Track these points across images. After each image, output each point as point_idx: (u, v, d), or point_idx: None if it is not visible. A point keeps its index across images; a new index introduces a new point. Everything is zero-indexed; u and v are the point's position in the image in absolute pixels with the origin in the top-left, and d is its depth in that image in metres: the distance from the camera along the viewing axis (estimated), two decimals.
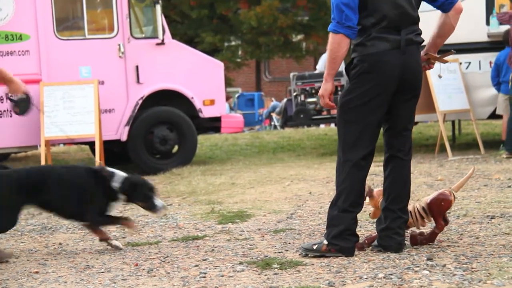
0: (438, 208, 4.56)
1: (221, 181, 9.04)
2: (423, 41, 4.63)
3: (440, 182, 7.58)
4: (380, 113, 4.49)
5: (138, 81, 10.62)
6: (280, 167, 10.25)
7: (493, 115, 11.01)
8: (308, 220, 5.93)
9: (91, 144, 11.12)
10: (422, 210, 4.63)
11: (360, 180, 4.52)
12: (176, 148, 11.12)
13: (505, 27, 10.29)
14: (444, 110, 10.54)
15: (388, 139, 4.63)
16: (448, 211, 4.67)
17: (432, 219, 4.67)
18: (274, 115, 26.42)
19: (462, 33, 10.66)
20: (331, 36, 4.46)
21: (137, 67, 10.58)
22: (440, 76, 5.87)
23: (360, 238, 4.63)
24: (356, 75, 4.49)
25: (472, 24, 10.70)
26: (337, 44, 4.44)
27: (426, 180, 7.17)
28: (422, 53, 4.70)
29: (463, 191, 6.85)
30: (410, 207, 4.66)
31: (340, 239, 4.49)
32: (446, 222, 4.70)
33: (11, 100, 5.71)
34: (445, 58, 4.86)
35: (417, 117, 10.94)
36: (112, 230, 5.96)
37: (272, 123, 26.24)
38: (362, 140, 4.49)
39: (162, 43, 10.70)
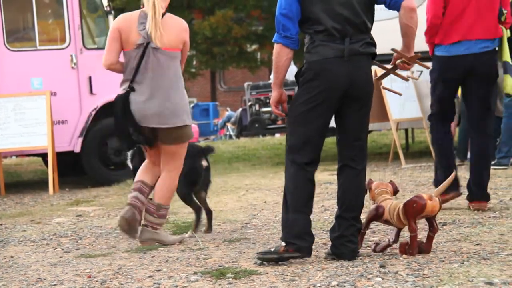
0: (410, 210, 4.51)
1: None
2: (373, 51, 4.61)
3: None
4: (324, 120, 4.55)
5: (91, 92, 10.54)
6: (235, 177, 10.25)
7: None
8: (263, 229, 5.94)
9: (44, 156, 11.00)
10: (400, 210, 4.58)
11: (305, 182, 4.57)
12: None
13: None
14: (397, 119, 10.65)
15: (340, 148, 4.67)
16: (433, 215, 4.57)
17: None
18: (229, 125, 26.45)
19: (415, 41, 10.84)
20: (274, 46, 4.59)
21: (90, 78, 10.50)
22: (408, 78, 5.87)
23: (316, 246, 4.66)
24: (302, 82, 4.57)
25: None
26: (277, 53, 4.57)
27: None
28: (396, 55, 4.70)
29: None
30: (390, 204, 4.61)
31: (297, 239, 4.51)
32: (433, 227, 4.59)
33: None
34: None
35: (371, 126, 11.03)
36: (65, 242, 5.90)
37: (227, 133, 26.25)
38: (307, 145, 4.55)
39: None
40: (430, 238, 4.61)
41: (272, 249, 4.59)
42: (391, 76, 5.00)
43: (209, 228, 6.03)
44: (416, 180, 8.45)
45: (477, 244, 4.72)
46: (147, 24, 5.43)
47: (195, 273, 4.46)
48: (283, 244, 4.54)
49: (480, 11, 6.01)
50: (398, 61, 4.75)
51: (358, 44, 4.50)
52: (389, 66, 4.88)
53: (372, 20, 4.63)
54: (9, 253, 5.61)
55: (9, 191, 10.52)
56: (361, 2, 4.53)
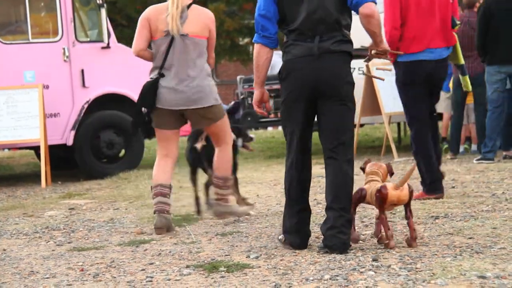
0: (376, 199, 4.57)
1: None
2: (347, 49, 4.64)
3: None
4: (305, 115, 4.66)
5: (83, 85, 10.53)
6: None
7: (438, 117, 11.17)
8: (255, 223, 5.93)
9: (36, 149, 10.98)
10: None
11: (297, 179, 4.70)
12: (123, 152, 11.04)
13: None
14: (390, 112, 10.66)
15: (322, 143, 4.73)
16: (394, 204, 4.61)
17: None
18: None
19: None
20: (254, 46, 4.78)
21: (82, 71, 10.49)
22: (383, 79, 6.07)
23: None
24: (280, 81, 4.74)
25: None
26: (257, 53, 4.76)
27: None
28: (369, 46, 4.86)
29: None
30: (372, 187, 4.66)
31: (290, 233, 4.71)
32: (406, 214, 4.64)
33: None
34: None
35: (363, 119, 11.12)
36: (57, 235, 5.89)
37: None
38: (293, 141, 4.70)
39: (108, 46, 10.62)
40: (409, 226, 4.62)
41: (279, 237, 4.83)
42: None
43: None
44: None
45: (470, 238, 4.73)
46: (169, 18, 5.74)
47: (187, 266, 4.46)
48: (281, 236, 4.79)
49: (440, 21, 6.45)
50: (372, 52, 4.91)
51: (329, 42, 4.58)
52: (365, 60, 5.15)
53: (347, 18, 4.69)
54: (2, 246, 5.59)
55: (1, 184, 10.51)
56: (333, 0, 4.60)
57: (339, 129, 4.64)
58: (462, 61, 6.94)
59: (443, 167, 8.85)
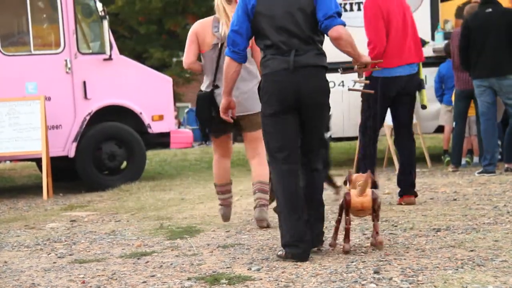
0: (343, 205, 4.88)
1: (170, 197, 9.00)
2: (321, 63, 4.88)
3: (388, 196, 7.66)
4: (282, 128, 4.86)
5: (85, 97, 10.55)
6: None
7: (439, 129, 11.19)
8: (257, 235, 5.92)
9: (38, 161, 10.98)
10: None
11: (288, 186, 4.84)
12: (124, 164, 11.05)
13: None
14: (391, 125, 10.61)
15: (301, 152, 4.93)
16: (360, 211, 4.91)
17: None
18: None
19: None
20: (225, 59, 5.10)
21: (84, 82, 10.51)
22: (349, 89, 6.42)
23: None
24: (261, 95, 4.98)
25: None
26: (227, 66, 5.07)
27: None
28: (352, 61, 5.08)
29: (410, 204, 6.94)
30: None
31: (289, 245, 4.77)
32: (372, 221, 4.96)
33: None
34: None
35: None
36: (59, 247, 5.89)
37: None
38: (278, 149, 4.89)
39: (110, 58, 10.65)
40: (373, 228, 4.95)
41: (279, 253, 4.88)
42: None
43: None
44: None
45: (472, 251, 4.72)
46: (220, 27, 6.21)
47: (189, 278, 4.45)
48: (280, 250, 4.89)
49: (412, 40, 7.05)
50: (355, 67, 5.11)
51: (304, 56, 4.82)
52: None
53: (320, 35, 4.92)
54: (3, 258, 5.59)
55: (3, 196, 10.51)
56: (304, 17, 4.84)
57: (315, 136, 4.96)
58: (422, 76, 7.33)
59: (444, 179, 8.88)
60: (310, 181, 4.96)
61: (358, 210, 4.87)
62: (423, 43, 7.06)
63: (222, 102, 5.32)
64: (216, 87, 6.22)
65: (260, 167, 6.37)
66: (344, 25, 4.85)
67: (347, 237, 4.88)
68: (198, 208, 7.88)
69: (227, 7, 6.22)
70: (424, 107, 7.43)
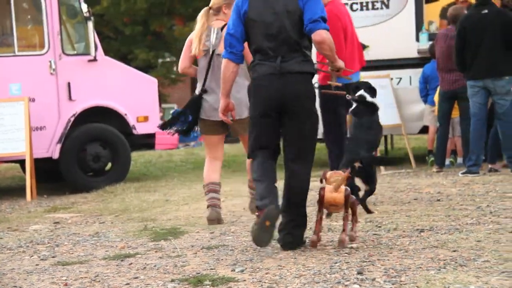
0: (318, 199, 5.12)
1: (155, 198, 8.99)
2: (307, 69, 5.10)
3: (372, 196, 7.67)
4: (268, 129, 5.13)
5: (70, 98, 10.51)
6: None
7: (424, 130, 11.23)
8: (241, 236, 5.92)
9: (22, 162, 10.93)
10: None
11: (265, 167, 5.16)
12: (109, 165, 11.01)
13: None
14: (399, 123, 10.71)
15: (284, 150, 5.19)
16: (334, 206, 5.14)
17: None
18: None
19: (393, 49, 10.94)
20: (222, 61, 5.33)
21: (69, 84, 10.47)
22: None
23: None
24: (249, 97, 5.35)
25: (402, 40, 10.95)
26: (225, 67, 5.29)
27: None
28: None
29: (394, 205, 6.96)
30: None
31: (261, 200, 5.06)
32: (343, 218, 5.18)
33: None
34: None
35: None
36: (41, 250, 5.86)
37: None
38: (258, 148, 5.18)
39: (95, 59, 10.62)
40: (343, 225, 5.15)
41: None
42: None
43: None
44: (395, 186, 8.48)
45: (454, 251, 4.74)
46: (211, 36, 6.63)
47: (172, 280, 4.45)
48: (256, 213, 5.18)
49: (357, 48, 7.27)
50: (329, 69, 5.42)
51: (290, 62, 5.06)
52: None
53: (307, 40, 5.14)
54: None
55: None
56: (292, 24, 5.06)
57: (299, 139, 5.12)
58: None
59: (428, 180, 8.90)
60: (289, 183, 5.15)
61: (331, 205, 5.13)
62: (364, 47, 7.30)
63: (220, 103, 5.49)
64: (205, 91, 6.54)
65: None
66: (328, 29, 5.05)
67: (317, 228, 5.14)
68: (182, 209, 7.87)
69: (209, 19, 6.67)
70: None
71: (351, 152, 6.62)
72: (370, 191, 6.69)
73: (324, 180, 5.20)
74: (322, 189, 5.09)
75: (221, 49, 6.28)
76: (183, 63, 6.81)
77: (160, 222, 6.99)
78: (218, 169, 6.83)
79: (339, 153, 6.88)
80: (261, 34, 5.10)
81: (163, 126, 6.91)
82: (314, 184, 5.67)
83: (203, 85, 6.66)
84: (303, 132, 5.12)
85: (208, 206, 6.68)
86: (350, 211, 5.20)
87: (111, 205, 8.68)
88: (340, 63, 5.33)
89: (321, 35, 5.00)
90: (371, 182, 6.67)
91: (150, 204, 8.44)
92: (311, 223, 5.82)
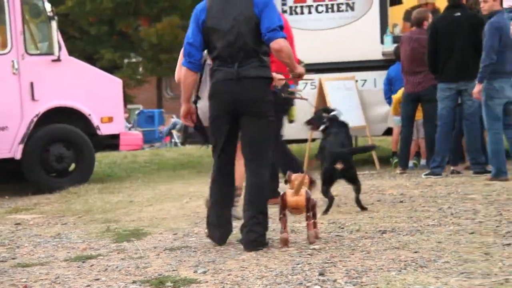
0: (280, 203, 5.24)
1: (119, 199, 8.93)
2: (263, 74, 5.30)
3: (336, 198, 7.69)
4: (226, 131, 5.34)
5: (33, 98, 10.41)
6: (180, 184, 10.21)
7: (388, 132, 11.29)
8: (204, 238, 5.89)
9: None
10: None
11: (221, 179, 5.43)
12: (73, 166, 10.93)
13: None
14: (364, 124, 10.75)
15: (243, 151, 5.39)
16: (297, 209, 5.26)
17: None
18: (174, 132, 26.31)
19: (358, 51, 11.00)
20: (182, 69, 5.52)
21: (32, 84, 10.37)
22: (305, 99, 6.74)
23: None
24: (209, 100, 5.44)
25: (367, 43, 11.00)
26: (183, 75, 5.50)
27: (322, 196, 7.27)
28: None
29: (357, 206, 6.99)
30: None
31: (211, 226, 5.42)
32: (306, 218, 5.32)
33: None
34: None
35: (316, 134, 11.15)
36: (1, 251, 5.80)
37: (173, 140, 26.12)
38: (217, 148, 5.42)
39: (58, 59, 10.53)
40: (307, 226, 5.30)
41: None
42: None
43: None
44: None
45: (415, 252, 4.77)
46: None
47: (134, 282, 4.42)
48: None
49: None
50: (290, 76, 5.64)
51: (247, 67, 5.26)
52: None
53: (264, 46, 5.32)
54: None
55: None
56: (249, 31, 5.25)
57: (256, 140, 5.32)
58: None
59: (392, 181, 8.96)
60: (248, 182, 5.35)
61: (293, 208, 5.24)
62: (300, 62, 7.34)
63: (182, 108, 5.65)
64: (198, 97, 6.55)
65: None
66: (285, 37, 5.27)
67: (285, 229, 5.23)
68: (146, 210, 7.83)
69: None
70: (291, 122, 7.71)
71: (331, 152, 6.93)
72: (358, 188, 6.89)
73: (288, 182, 5.32)
74: (284, 194, 5.22)
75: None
76: (178, 72, 6.69)
77: (123, 224, 6.95)
78: (241, 172, 6.69)
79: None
80: (219, 41, 5.30)
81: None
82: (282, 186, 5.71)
83: (197, 91, 6.63)
84: (260, 134, 5.33)
85: None
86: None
87: (74, 206, 8.61)
88: (300, 69, 5.51)
89: (279, 43, 5.20)
90: (356, 180, 6.89)
91: (114, 205, 8.38)
92: (274, 224, 5.84)
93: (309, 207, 5.23)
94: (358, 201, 6.86)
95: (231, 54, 5.27)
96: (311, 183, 5.41)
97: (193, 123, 5.81)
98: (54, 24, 10.46)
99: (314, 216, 5.36)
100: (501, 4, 7.59)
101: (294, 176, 5.30)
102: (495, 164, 8.42)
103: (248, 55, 5.27)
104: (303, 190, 5.20)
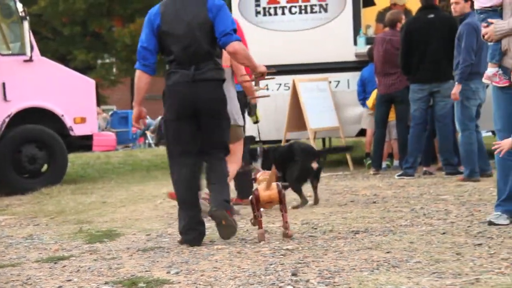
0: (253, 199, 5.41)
1: (92, 200, 8.89)
2: (218, 77, 5.50)
3: (309, 198, 7.72)
4: (182, 132, 5.48)
5: (5, 99, 10.34)
6: (153, 185, 10.18)
7: (361, 133, 11.34)
8: (178, 238, 5.89)
9: None
10: None
11: (185, 180, 5.51)
12: (45, 167, 10.86)
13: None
14: (315, 128, 10.76)
15: (203, 151, 5.56)
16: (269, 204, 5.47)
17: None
18: (148, 133, 26.23)
19: (331, 52, 11.03)
20: (136, 72, 5.61)
21: (3, 84, 10.31)
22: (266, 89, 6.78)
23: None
24: (164, 102, 5.55)
25: (340, 44, 11.04)
26: (137, 78, 5.58)
27: (296, 197, 7.29)
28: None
29: (330, 207, 7.03)
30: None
31: (183, 233, 5.48)
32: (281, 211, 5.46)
33: None
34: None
35: (290, 135, 11.19)
36: None
37: (147, 141, 26.05)
38: (176, 150, 5.53)
39: (30, 60, 10.46)
40: (282, 219, 5.44)
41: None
42: None
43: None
44: (332, 189, 8.55)
45: (388, 252, 4.80)
46: None
47: (106, 283, 4.41)
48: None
49: None
50: (253, 76, 5.69)
51: (202, 70, 5.43)
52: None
53: (218, 48, 5.53)
54: None
55: None
56: (203, 35, 5.44)
57: (213, 138, 5.54)
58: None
59: (365, 182, 9.00)
60: (209, 174, 5.60)
61: (267, 202, 5.43)
62: None
63: (133, 111, 5.73)
64: None
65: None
66: (239, 40, 5.48)
67: (260, 226, 5.42)
68: (119, 211, 7.81)
69: None
70: (256, 122, 7.60)
71: (310, 151, 7.32)
72: (318, 180, 7.36)
73: (255, 181, 5.57)
74: (256, 190, 5.39)
75: None
76: None
77: (96, 224, 6.92)
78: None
79: None
80: (174, 45, 5.45)
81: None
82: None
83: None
84: (216, 132, 5.55)
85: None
86: None
87: (46, 207, 8.56)
88: (262, 68, 5.62)
89: (233, 46, 5.42)
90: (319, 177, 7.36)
91: (87, 206, 8.35)
92: (248, 225, 5.85)
93: (282, 199, 5.39)
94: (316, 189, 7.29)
95: (188, 57, 5.43)
96: (278, 178, 5.60)
97: (144, 126, 5.95)
98: (26, 24, 10.40)
99: (285, 209, 5.49)
100: (472, 6, 7.63)
101: (259, 174, 5.57)
102: (468, 165, 8.49)
103: (203, 59, 5.45)
104: (274, 184, 5.38)
